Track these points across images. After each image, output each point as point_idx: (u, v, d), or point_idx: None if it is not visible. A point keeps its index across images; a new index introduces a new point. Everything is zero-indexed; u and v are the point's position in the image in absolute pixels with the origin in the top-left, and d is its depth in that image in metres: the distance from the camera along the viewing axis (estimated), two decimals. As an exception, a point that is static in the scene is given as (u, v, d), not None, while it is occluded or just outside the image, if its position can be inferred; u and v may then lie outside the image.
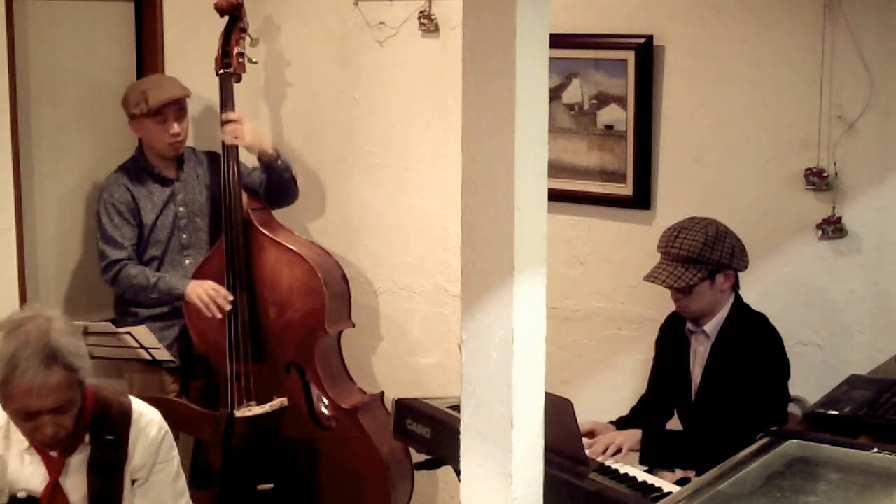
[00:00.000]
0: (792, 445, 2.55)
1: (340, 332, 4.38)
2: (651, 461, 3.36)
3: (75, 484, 2.83)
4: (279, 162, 4.32)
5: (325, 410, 4.24)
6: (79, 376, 2.71)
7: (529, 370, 1.90)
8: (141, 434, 2.87)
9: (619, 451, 3.31)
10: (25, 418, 2.68)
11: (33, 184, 4.23)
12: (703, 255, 3.33)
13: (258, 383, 4.21)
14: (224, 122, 4.23)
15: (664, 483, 3.12)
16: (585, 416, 3.33)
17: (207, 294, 4.11)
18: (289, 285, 4.22)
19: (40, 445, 2.78)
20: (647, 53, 3.92)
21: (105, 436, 2.83)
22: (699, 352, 3.50)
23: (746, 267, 3.44)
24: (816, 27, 3.61)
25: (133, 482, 2.89)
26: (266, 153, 4.29)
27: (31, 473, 2.81)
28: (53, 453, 2.81)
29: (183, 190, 4.29)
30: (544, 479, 1.97)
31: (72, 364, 2.68)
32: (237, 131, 4.21)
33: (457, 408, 3.05)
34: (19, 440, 2.81)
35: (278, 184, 4.36)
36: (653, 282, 3.40)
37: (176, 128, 4.19)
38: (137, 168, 4.25)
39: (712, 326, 3.44)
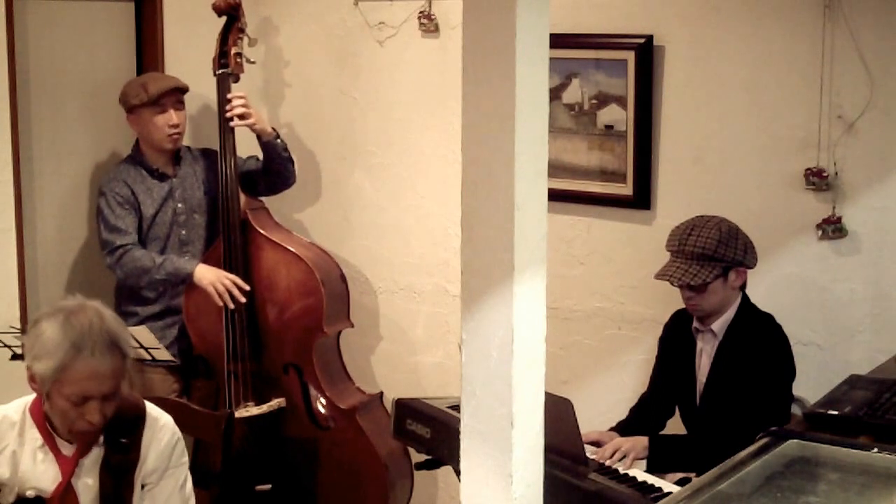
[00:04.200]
0: (792, 445, 2.55)
1: (339, 333, 4.38)
2: (659, 468, 3.35)
3: (86, 485, 2.82)
4: (279, 140, 4.33)
5: (323, 411, 4.24)
6: (128, 364, 2.75)
7: (529, 370, 1.90)
8: (154, 438, 2.88)
9: (624, 457, 3.30)
10: (77, 402, 2.68)
11: (33, 184, 4.24)
12: (719, 252, 3.34)
13: (256, 384, 4.21)
14: (229, 101, 4.22)
15: (664, 483, 3.12)
16: (585, 416, 3.32)
17: (222, 283, 4.11)
18: (286, 286, 4.22)
19: (77, 435, 2.77)
20: (647, 53, 3.92)
21: (119, 437, 2.83)
22: (706, 351, 3.49)
23: (756, 264, 3.45)
24: (816, 27, 3.61)
25: (143, 486, 2.89)
26: (266, 132, 4.30)
27: (42, 472, 2.81)
28: (67, 453, 2.81)
29: (181, 186, 4.29)
30: (544, 479, 1.96)
31: (127, 352, 2.73)
32: (246, 110, 4.21)
33: (457, 408, 3.05)
34: (33, 438, 2.81)
35: (278, 165, 4.35)
36: (667, 280, 3.39)
37: (175, 118, 4.20)
38: (135, 165, 4.25)
39: (720, 325, 3.44)
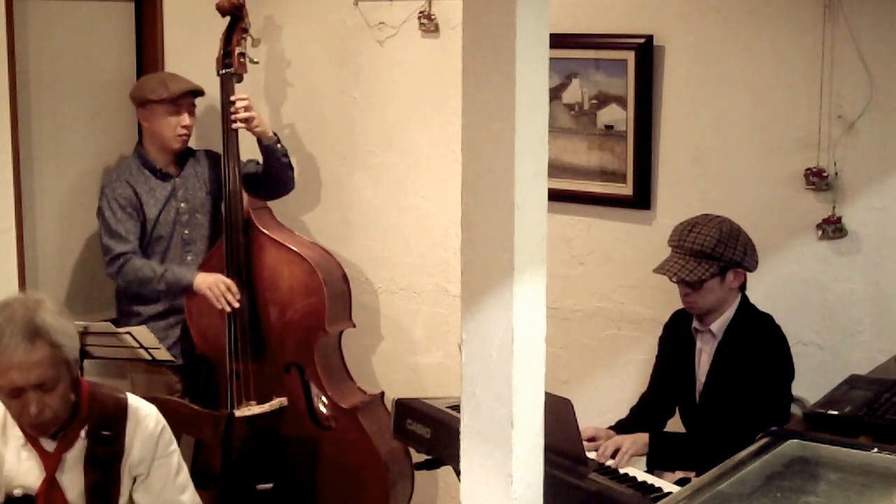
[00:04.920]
0: (792, 445, 2.55)
1: (341, 332, 4.39)
2: (659, 465, 3.35)
3: (72, 479, 2.83)
4: (279, 146, 4.34)
5: (324, 410, 4.24)
6: (63, 353, 2.71)
7: (529, 370, 1.90)
8: (138, 429, 2.88)
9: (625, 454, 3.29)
10: (11, 395, 2.69)
11: (33, 184, 4.24)
12: (717, 250, 3.34)
13: (258, 383, 4.22)
14: (234, 104, 4.23)
15: (664, 483, 3.12)
16: (585, 416, 3.32)
17: (218, 287, 4.12)
18: (289, 285, 4.23)
19: (28, 428, 2.78)
20: (647, 53, 3.92)
21: (101, 430, 2.83)
22: (705, 351, 3.49)
23: (756, 268, 3.44)
24: (816, 27, 3.61)
25: (134, 480, 2.90)
26: (267, 136, 4.31)
27: (27, 469, 2.82)
28: (49, 448, 2.81)
29: (183, 186, 4.30)
30: (544, 479, 1.96)
31: (56, 340, 2.69)
32: (249, 112, 4.22)
33: (457, 408, 3.05)
34: (16, 436, 2.82)
35: (277, 170, 4.36)
36: (664, 274, 3.39)
37: (187, 120, 4.23)
38: (138, 164, 4.26)
39: (719, 326, 3.44)
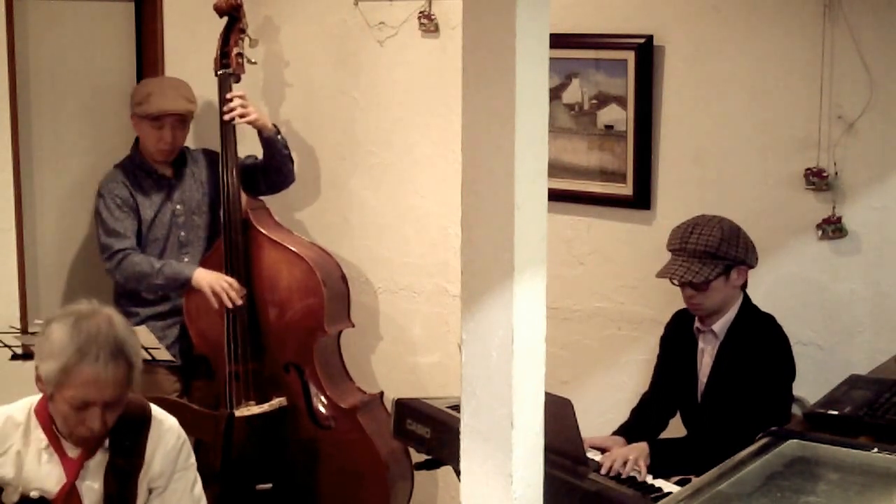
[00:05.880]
0: (792, 445, 2.55)
1: (340, 332, 4.38)
2: (660, 472, 3.34)
3: (90, 487, 2.81)
4: (279, 137, 4.33)
5: (323, 410, 4.24)
6: (135, 373, 2.74)
7: (529, 370, 1.90)
8: (160, 441, 2.87)
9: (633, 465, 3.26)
10: (78, 407, 2.68)
11: (33, 184, 4.24)
12: (721, 249, 3.34)
13: (257, 383, 4.22)
14: (229, 100, 4.23)
15: (664, 483, 3.12)
16: (585, 416, 3.32)
17: (220, 286, 4.11)
18: (287, 285, 4.23)
19: (75, 441, 2.77)
20: (647, 53, 3.92)
21: (124, 441, 2.82)
22: (707, 351, 3.49)
23: (756, 264, 3.45)
24: (816, 27, 3.61)
25: (150, 491, 2.88)
26: (267, 128, 4.31)
27: (46, 473, 2.80)
28: (72, 455, 2.80)
29: (180, 188, 4.30)
30: (544, 479, 1.96)
31: (133, 361, 2.72)
32: (244, 107, 4.22)
33: (457, 408, 3.04)
34: (38, 439, 2.80)
35: (278, 161, 4.35)
36: (670, 278, 3.38)
37: (168, 137, 4.20)
38: (134, 166, 4.26)
39: (721, 326, 3.44)
